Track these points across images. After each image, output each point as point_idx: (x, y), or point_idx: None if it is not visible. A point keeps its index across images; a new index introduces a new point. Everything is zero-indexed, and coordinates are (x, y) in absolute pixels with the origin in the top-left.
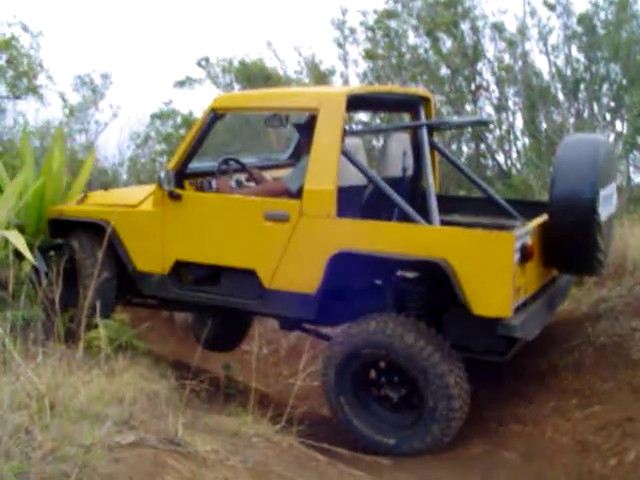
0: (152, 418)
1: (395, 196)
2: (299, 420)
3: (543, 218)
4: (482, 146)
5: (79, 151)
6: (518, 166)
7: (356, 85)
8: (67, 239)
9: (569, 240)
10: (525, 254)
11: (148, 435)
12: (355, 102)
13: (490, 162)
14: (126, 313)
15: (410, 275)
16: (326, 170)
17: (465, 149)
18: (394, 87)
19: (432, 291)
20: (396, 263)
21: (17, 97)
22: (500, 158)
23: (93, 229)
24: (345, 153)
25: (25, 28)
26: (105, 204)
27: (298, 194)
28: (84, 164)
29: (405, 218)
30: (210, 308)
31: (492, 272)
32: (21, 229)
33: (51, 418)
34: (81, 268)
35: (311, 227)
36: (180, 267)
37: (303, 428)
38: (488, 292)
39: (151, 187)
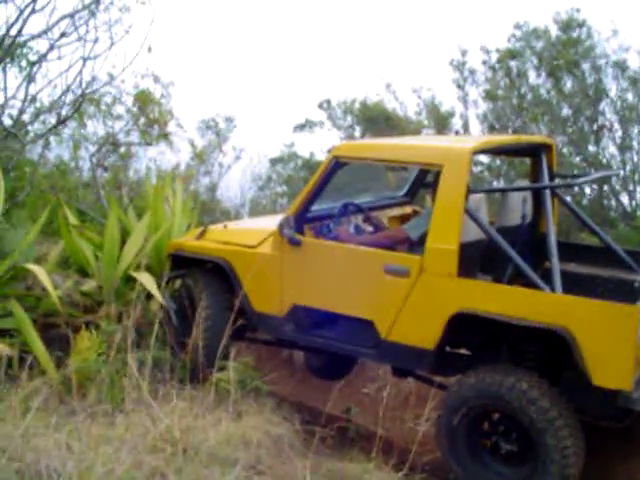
0: (278, 463)
1: (518, 259)
2: (422, 467)
3: None
4: (605, 187)
5: (203, 193)
6: None
7: (480, 138)
8: (185, 275)
9: None
10: None
11: None
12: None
13: (614, 203)
14: (250, 355)
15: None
16: (449, 229)
17: (588, 190)
18: (517, 137)
19: (551, 353)
20: (515, 327)
21: (148, 144)
22: (624, 199)
23: (211, 266)
24: (468, 211)
25: (156, 79)
26: (224, 242)
27: (419, 242)
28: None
29: (522, 273)
30: (324, 351)
31: (614, 344)
32: (149, 269)
33: (184, 462)
34: (199, 306)
35: (431, 285)
36: (297, 311)
37: (426, 476)
38: (609, 364)
39: (270, 220)
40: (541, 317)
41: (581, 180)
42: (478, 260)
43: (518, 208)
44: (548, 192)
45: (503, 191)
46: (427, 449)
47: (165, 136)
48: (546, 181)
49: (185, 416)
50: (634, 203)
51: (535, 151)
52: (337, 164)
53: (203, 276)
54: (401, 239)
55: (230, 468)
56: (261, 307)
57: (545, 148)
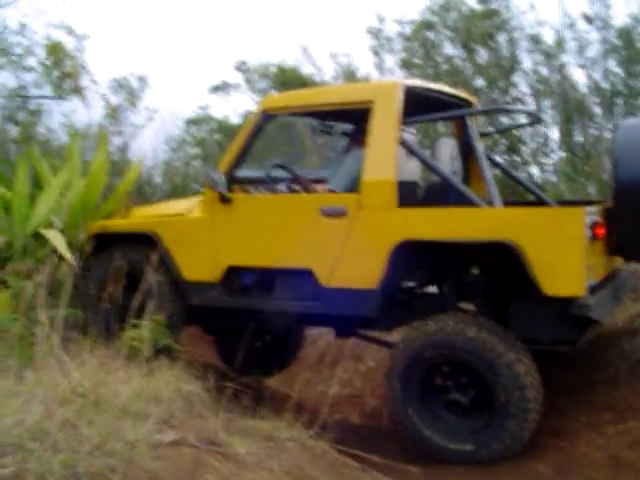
0: (190, 418)
1: (455, 181)
2: (331, 427)
3: (607, 203)
4: (516, 158)
5: (114, 153)
6: (553, 179)
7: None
8: (115, 253)
9: (634, 221)
10: (595, 231)
11: (188, 434)
12: (407, 100)
13: (524, 174)
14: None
15: (474, 268)
16: (385, 160)
17: (499, 161)
18: (443, 86)
19: (495, 283)
20: (460, 254)
21: (61, 98)
22: (534, 171)
23: (140, 242)
24: (404, 143)
25: (70, 31)
26: (152, 215)
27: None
28: (130, 169)
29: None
30: (262, 320)
31: (563, 250)
32: (62, 229)
33: (96, 414)
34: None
35: (371, 219)
36: (231, 274)
37: (335, 435)
38: (560, 271)
39: (197, 197)
40: (486, 234)
41: (511, 107)
42: (412, 202)
43: (447, 165)
44: (476, 131)
45: (435, 120)
46: (337, 410)
47: (78, 91)
48: (475, 136)
49: (96, 371)
50: (544, 175)
51: (459, 108)
52: (266, 117)
53: (136, 252)
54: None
55: (142, 421)
56: (193, 275)
57: (468, 105)
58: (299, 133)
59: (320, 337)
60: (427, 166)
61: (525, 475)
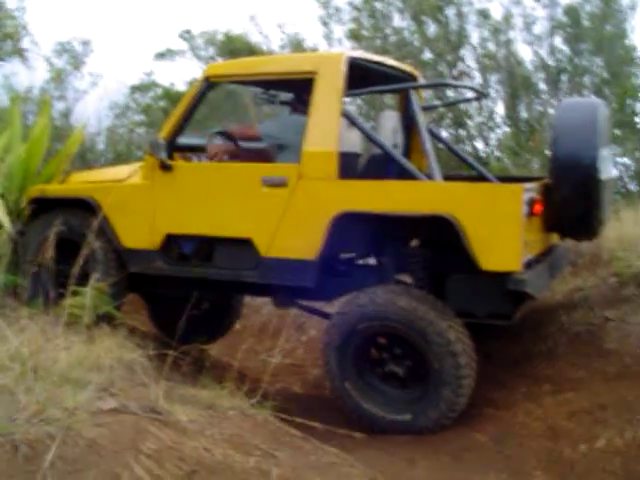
0: (131, 386)
1: (396, 154)
2: (273, 396)
3: (545, 180)
4: (461, 132)
5: (57, 118)
6: (497, 153)
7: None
8: (53, 218)
9: (572, 199)
10: (532, 208)
11: (129, 402)
12: (351, 72)
13: (469, 148)
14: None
15: (412, 241)
16: (327, 131)
17: (444, 134)
18: (388, 58)
19: (434, 257)
20: (399, 227)
21: (1, 59)
22: (479, 145)
23: (80, 207)
24: (346, 114)
25: None
26: (90, 181)
27: (274, 150)
28: (73, 135)
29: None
30: (202, 288)
31: (501, 225)
32: (1, 194)
33: (34, 381)
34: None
35: (311, 190)
36: (170, 242)
37: (277, 404)
38: (497, 246)
39: (137, 164)
40: (426, 207)
41: (454, 82)
42: (353, 174)
43: (389, 138)
44: (418, 104)
45: (379, 92)
46: (279, 379)
47: (19, 52)
48: (417, 109)
49: (36, 338)
50: (488, 149)
51: (401, 81)
52: (209, 85)
53: (74, 217)
54: (250, 135)
55: (82, 389)
56: (132, 242)
57: (411, 78)
58: (243, 101)
59: (263, 307)
60: (369, 138)
61: (464, 444)
